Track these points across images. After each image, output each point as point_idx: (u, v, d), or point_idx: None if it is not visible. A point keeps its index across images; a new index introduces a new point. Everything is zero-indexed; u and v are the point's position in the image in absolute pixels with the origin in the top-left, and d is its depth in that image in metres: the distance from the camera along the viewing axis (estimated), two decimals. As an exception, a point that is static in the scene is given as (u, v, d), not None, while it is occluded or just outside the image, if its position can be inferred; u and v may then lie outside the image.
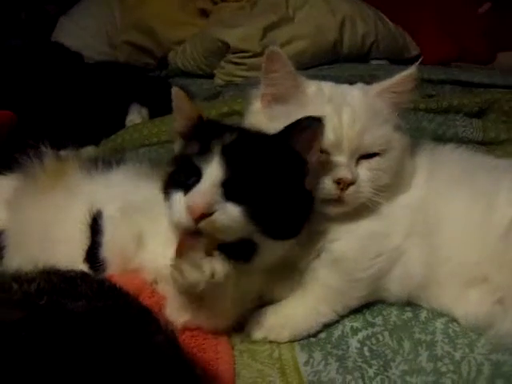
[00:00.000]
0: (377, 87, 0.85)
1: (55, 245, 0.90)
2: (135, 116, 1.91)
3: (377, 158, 0.82)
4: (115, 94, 1.91)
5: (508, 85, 1.68)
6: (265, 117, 0.86)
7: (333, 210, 0.82)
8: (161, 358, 0.49)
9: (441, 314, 0.81)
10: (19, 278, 0.53)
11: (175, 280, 0.69)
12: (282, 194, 0.72)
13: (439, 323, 0.80)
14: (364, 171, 0.81)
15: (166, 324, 0.56)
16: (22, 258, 0.90)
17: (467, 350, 0.75)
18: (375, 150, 0.82)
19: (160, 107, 1.91)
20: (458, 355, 0.74)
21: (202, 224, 0.67)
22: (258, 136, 0.77)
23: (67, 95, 1.84)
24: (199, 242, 0.69)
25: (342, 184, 0.79)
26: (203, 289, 0.68)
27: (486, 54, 2.17)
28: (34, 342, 0.43)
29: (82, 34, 2.29)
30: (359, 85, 0.89)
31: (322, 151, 0.80)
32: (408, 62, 2.27)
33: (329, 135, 0.79)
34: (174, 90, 0.81)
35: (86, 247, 0.87)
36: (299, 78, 0.85)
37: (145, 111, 1.93)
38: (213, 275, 0.67)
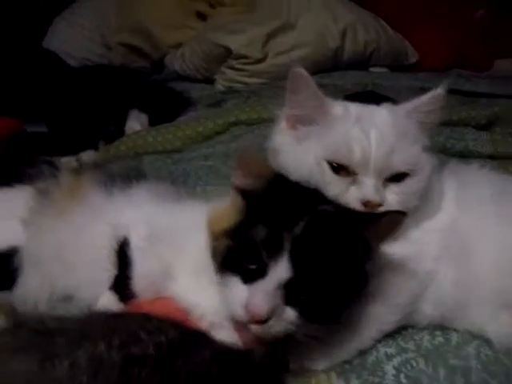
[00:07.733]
0: (405, 107, 0.85)
1: (76, 268, 0.88)
2: (134, 123, 1.87)
3: (405, 181, 0.82)
4: (114, 99, 1.87)
5: (509, 95, 1.70)
6: (290, 137, 0.86)
7: None
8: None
9: (472, 338, 0.81)
10: (144, 326, 0.49)
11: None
12: (340, 288, 0.68)
13: (471, 348, 0.80)
14: (392, 195, 0.81)
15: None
16: (39, 281, 0.88)
17: (503, 379, 0.75)
18: (403, 169, 0.81)
19: (159, 113, 1.89)
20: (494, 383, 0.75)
21: (254, 327, 0.66)
22: (329, 221, 0.70)
23: (65, 100, 1.81)
24: None
25: (370, 206, 0.79)
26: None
27: (484, 61, 2.18)
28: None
29: (76, 36, 2.24)
30: (386, 104, 0.89)
31: (350, 171, 0.80)
32: (407, 69, 2.31)
33: (357, 155, 0.79)
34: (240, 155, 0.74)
35: (112, 275, 0.85)
36: (323, 98, 0.84)
37: (144, 117, 1.90)
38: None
